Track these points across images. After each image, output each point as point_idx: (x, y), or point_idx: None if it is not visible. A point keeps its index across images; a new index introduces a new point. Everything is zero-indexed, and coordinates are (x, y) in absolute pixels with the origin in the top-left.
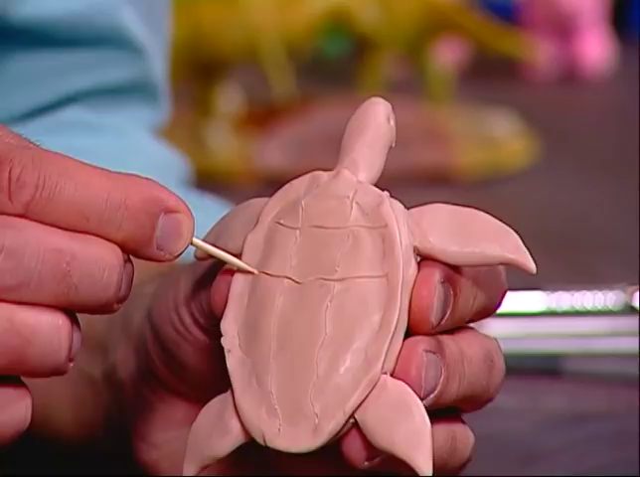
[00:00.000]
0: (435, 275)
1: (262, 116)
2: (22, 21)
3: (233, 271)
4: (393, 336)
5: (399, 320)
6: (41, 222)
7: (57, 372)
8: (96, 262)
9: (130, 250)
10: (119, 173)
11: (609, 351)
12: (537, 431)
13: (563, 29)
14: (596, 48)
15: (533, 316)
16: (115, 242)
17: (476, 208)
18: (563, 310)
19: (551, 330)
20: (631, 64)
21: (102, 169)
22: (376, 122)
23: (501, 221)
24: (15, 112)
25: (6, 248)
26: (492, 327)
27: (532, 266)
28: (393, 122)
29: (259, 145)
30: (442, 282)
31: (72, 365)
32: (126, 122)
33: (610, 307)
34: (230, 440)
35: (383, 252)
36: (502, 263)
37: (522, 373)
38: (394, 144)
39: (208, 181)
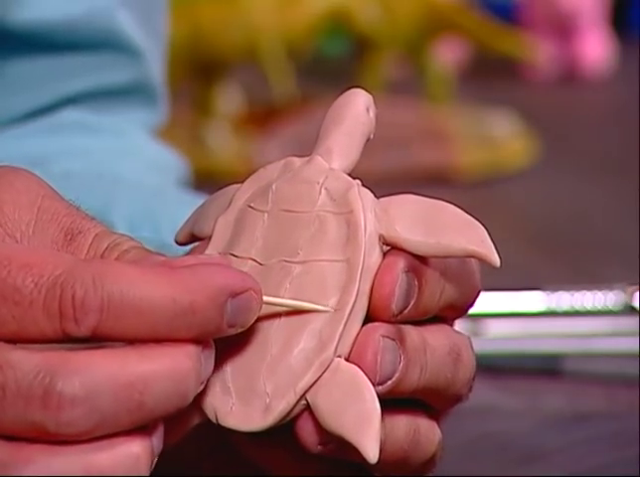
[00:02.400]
0: (399, 264)
1: (262, 116)
2: (21, 25)
3: (201, 253)
4: (348, 320)
5: (355, 304)
6: (109, 339)
7: None
8: (171, 378)
9: (202, 340)
10: (179, 267)
11: (609, 351)
12: (537, 431)
13: (563, 29)
14: (596, 48)
15: (533, 316)
16: (188, 341)
17: (475, 208)
18: (563, 310)
19: (551, 330)
20: (631, 64)
21: (162, 267)
22: (354, 112)
23: (500, 220)
24: (15, 113)
25: (77, 397)
26: (492, 327)
27: (495, 260)
28: (372, 114)
29: (259, 145)
30: (406, 271)
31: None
32: (125, 123)
33: (610, 307)
34: (186, 419)
35: (346, 238)
36: (466, 256)
37: (522, 373)
38: (372, 136)
39: (207, 181)
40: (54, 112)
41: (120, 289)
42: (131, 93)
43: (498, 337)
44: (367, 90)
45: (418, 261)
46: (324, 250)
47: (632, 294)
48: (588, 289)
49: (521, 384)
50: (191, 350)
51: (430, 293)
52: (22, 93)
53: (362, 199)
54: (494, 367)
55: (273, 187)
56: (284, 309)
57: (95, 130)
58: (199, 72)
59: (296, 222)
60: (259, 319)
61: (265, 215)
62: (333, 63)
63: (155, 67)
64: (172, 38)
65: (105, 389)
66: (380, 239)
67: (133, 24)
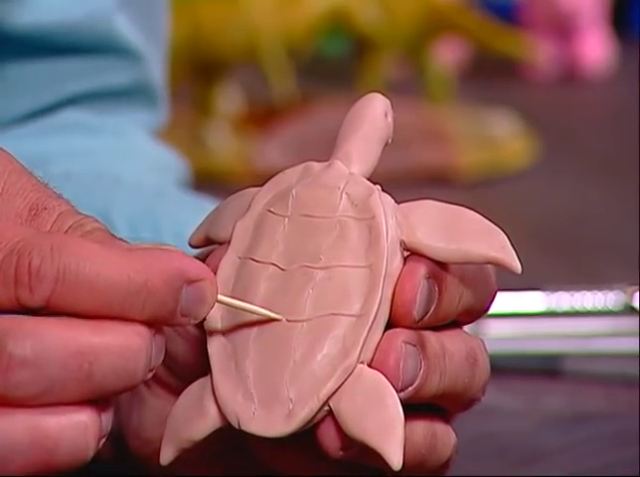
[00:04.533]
0: (420, 270)
1: (262, 116)
2: (21, 28)
3: (220, 257)
4: (371, 326)
5: (378, 310)
6: (62, 312)
7: (83, 464)
8: (121, 353)
9: (154, 325)
10: (137, 249)
11: (609, 351)
12: (537, 431)
13: (563, 29)
14: (596, 48)
15: (533, 316)
16: (140, 322)
17: (475, 208)
18: (563, 310)
19: (551, 330)
20: (631, 64)
21: (121, 248)
22: (372, 116)
23: (500, 220)
24: (15, 114)
25: (27, 359)
26: (492, 327)
27: (517, 266)
28: (390, 118)
29: (259, 145)
30: (427, 277)
31: (103, 441)
32: (125, 124)
33: (610, 307)
34: (206, 424)
35: (368, 243)
36: (487, 262)
37: (522, 373)
38: (390, 140)
39: (208, 181)
40: (54, 113)
41: (77, 262)
42: (131, 95)
43: (498, 337)
44: (384, 95)
45: (439, 267)
46: (346, 256)
47: (632, 294)
48: (588, 289)
49: (521, 384)
50: (143, 330)
51: (450, 299)
52: (22, 95)
53: (383, 204)
54: (494, 367)
55: (293, 192)
56: (307, 316)
57: (96, 131)
58: (199, 72)
59: (317, 227)
60: (282, 325)
61: (286, 220)
62: (333, 63)
63: (155, 68)
64: (172, 38)
65: (55, 354)
66: (401, 245)
67: (133, 26)
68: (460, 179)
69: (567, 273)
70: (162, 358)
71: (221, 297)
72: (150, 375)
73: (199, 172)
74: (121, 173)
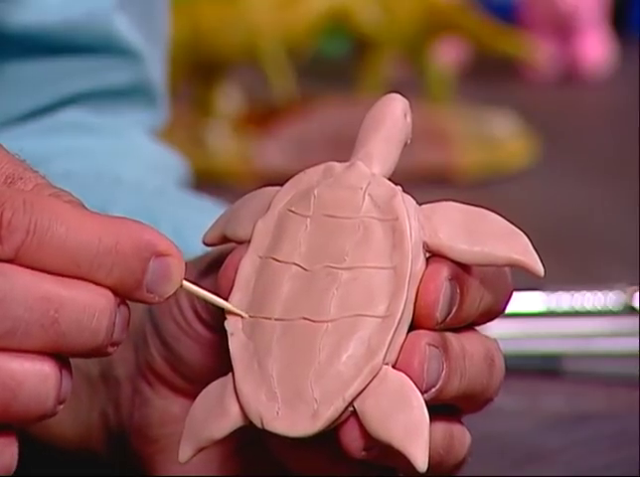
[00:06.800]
0: (443, 272)
1: (262, 116)
2: (20, 28)
3: (241, 256)
4: (397, 327)
5: (403, 312)
6: (31, 267)
7: (43, 418)
8: (85, 309)
9: (120, 294)
10: (110, 216)
11: (609, 351)
12: (537, 431)
13: (563, 29)
14: (596, 48)
15: (533, 316)
16: (106, 287)
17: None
18: (563, 310)
19: (551, 330)
20: (631, 64)
21: (93, 213)
22: (392, 117)
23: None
24: (14, 114)
25: None
26: (492, 327)
27: (540, 269)
28: (409, 119)
29: (259, 145)
30: (450, 279)
31: (61, 407)
32: (125, 124)
33: (610, 307)
34: (228, 422)
35: (392, 244)
36: (510, 265)
37: (522, 373)
38: (409, 141)
39: (208, 181)
40: (53, 113)
41: (49, 217)
42: (131, 95)
43: (498, 337)
44: (403, 96)
45: (461, 269)
46: (370, 257)
47: (632, 294)
48: (588, 289)
49: (521, 384)
50: (108, 293)
51: (471, 300)
52: (22, 94)
53: (406, 206)
54: None
55: (315, 192)
56: (332, 316)
57: (95, 131)
58: (199, 72)
59: (340, 227)
60: (306, 325)
61: (308, 220)
62: (333, 63)
63: (155, 68)
64: (172, 38)
65: (22, 296)
66: (423, 247)
67: (132, 26)
68: (460, 179)
69: (567, 273)
70: (125, 334)
71: (186, 283)
72: (113, 350)
73: (199, 172)
74: (121, 173)
